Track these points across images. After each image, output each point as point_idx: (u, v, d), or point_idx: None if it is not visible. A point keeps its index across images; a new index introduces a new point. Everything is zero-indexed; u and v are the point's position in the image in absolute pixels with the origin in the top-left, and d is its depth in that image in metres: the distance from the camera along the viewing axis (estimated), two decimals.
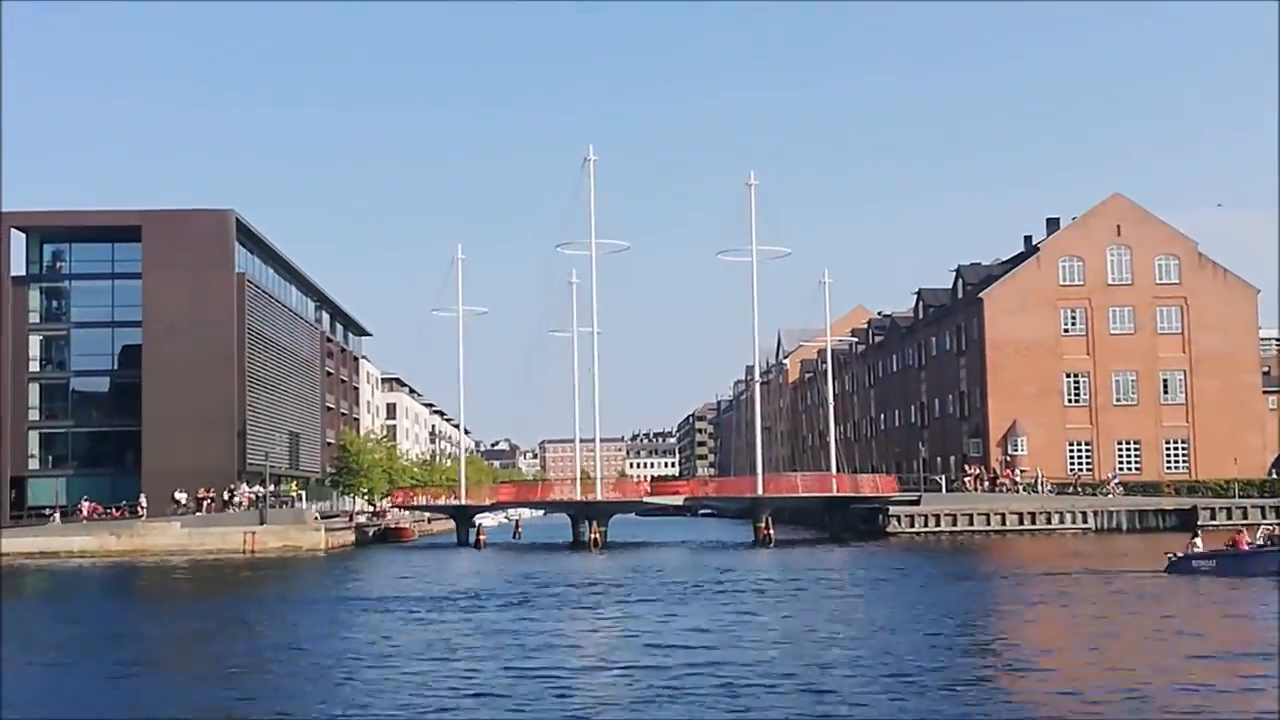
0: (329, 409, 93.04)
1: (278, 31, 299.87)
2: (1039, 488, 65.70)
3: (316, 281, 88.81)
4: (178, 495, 60.90)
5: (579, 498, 67.04)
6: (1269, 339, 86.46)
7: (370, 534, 73.36)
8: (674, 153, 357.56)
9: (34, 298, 71.18)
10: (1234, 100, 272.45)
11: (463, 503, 72.28)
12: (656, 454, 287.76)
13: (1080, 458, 73.17)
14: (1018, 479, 67.42)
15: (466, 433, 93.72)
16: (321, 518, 65.94)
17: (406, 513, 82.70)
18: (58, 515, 60.90)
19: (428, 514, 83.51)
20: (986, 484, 66.72)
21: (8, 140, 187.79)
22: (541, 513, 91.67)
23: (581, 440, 72.04)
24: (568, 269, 70.79)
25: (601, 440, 68.44)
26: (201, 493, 61.72)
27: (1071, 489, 66.62)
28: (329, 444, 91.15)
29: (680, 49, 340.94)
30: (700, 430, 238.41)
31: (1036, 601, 29.28)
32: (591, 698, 16.83)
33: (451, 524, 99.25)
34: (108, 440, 69.98)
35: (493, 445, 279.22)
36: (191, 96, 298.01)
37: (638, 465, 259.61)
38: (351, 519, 76.42)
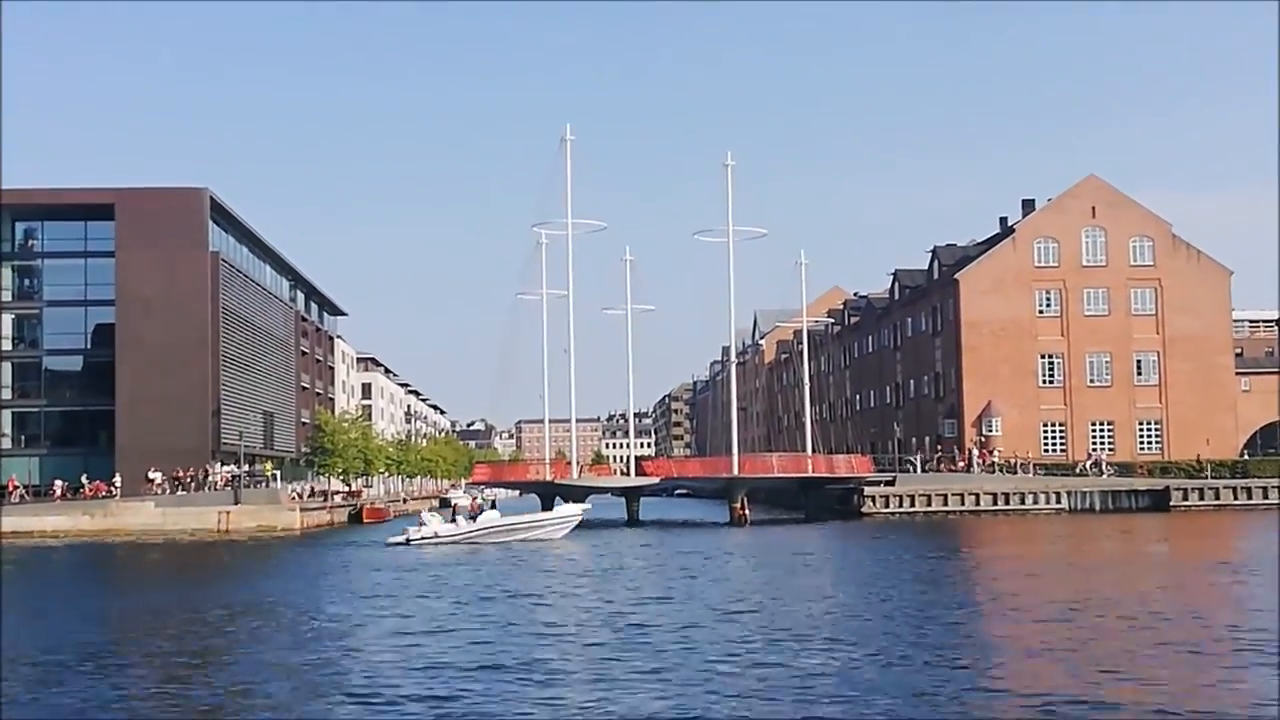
0: (304, 389, 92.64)
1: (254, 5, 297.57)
2: (1017, 468, 65.92)
3: (291, 260, 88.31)
4: (152, 475, 60.62)
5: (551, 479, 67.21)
6: (1242, 321, 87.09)
7: (346, 515, 73.03)
8: (649, 131, 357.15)
9: (6, 275, 70.61)
10: (1212, 82, 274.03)
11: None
12: None
13: (1054, 439, 73.59)
14: (994, 458, 67.75)
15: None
16: (300, 497, 65.58)
17: (384, 494, 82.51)
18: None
19: (408, 496, 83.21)
20: (962, 464, 67.06)
21: None
22: (517, 493, 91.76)
23: (556, 420, 71.84)
24: (542, 246, 70.91)
25: (577, 420, 68.51)
26: (176, 472, 61.46)
27: (1065, 470, 66.66)
28: (304, 424, 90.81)
29: (656, 25, 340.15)
30: (676, 410, 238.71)
31: None
32: None
33: (425, 505, 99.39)
34: (81, 420, 69.57)
35: (468, 425, 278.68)
36: (167, 71, 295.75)
37: (613, 445, 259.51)
38: (328, 499, 76.12)
